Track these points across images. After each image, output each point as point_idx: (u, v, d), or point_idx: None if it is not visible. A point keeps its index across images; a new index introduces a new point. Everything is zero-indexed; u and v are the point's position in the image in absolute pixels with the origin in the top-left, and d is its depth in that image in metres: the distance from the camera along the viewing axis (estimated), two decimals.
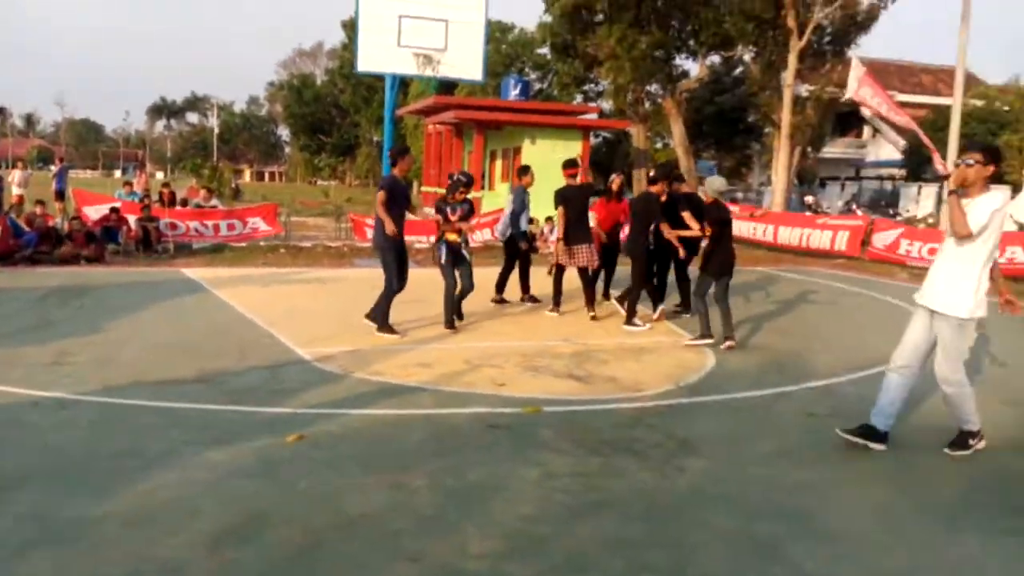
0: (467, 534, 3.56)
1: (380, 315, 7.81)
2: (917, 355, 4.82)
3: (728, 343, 7.56)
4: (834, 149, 37.94)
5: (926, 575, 3.33)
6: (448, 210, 8.08)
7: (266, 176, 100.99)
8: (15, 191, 18.25)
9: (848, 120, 36.35)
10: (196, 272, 11.92)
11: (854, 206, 25.99)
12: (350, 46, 37.45)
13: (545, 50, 31.88)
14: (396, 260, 7.82)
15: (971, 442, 4.81)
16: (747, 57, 24.69)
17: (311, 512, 3.74)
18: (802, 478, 4.38)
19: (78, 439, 4.65)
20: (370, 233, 16.53)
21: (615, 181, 9.82)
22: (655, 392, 6.02)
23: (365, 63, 12.74)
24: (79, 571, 3.19)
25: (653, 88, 26.54)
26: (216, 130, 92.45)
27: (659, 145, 39.81)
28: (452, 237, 8.07)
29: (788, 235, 17.59)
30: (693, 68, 27.60)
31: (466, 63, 12.96)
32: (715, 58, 27.54)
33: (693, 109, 30.48)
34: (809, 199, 24.87)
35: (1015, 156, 21.86)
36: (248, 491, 3.96)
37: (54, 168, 21.13)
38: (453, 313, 8.15)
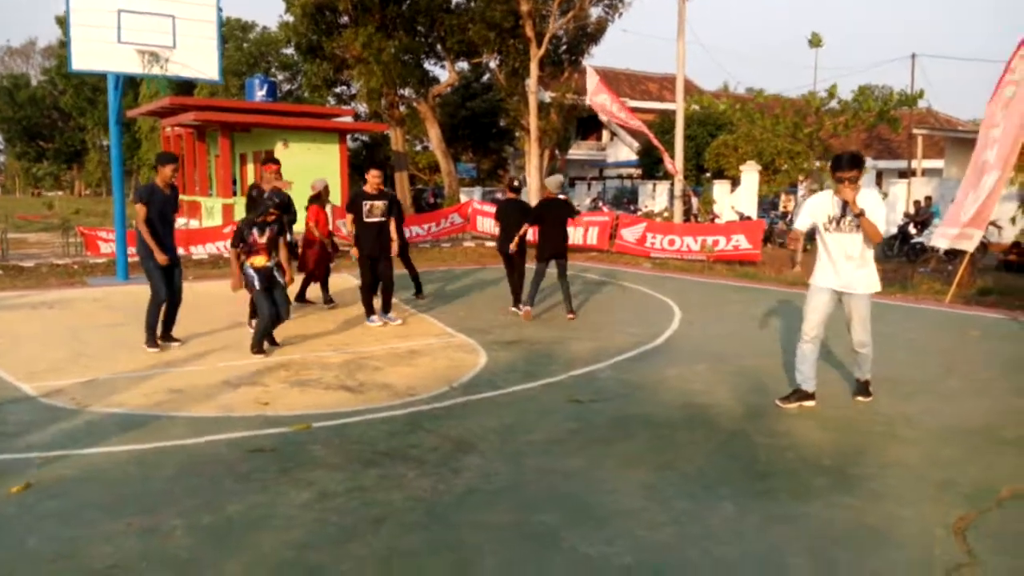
0: (230, 574, 3.24)
1: (147, 327, 7.39)
2: (823, 327, 5.63)
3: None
4: (579, 152, 40.55)
5: (694, 543, 3.54)
6: (254, 232, 7.23)
7: None
8: None
9: (589, 124, 39.00)
10: None
11: (600, 203, 27.88)
12: None
13: (291, 50, 30.74)
14: (159, 268, 7.32)
15: (871, 388, 5.84)
16: (493, 64, 25.57)
17: (48, 572, 3.22)
18: (572, 465, 4.52)
19: None
20: (104, 247, 15.09)
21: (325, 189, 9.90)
22: (430, 395, 5.95)
23: (80, 61, 11.30)
24: None
25: (407, 92, 26.60)
26: None
27: (419, 148, 40.08)
28: (260, 262, 7.22)
29: None
30: (444, 74, 28.07)
31: (199, 61, 11.96)
32: (464, 64, 28.22)
33: (447, 114, 31.04)
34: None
35: (732, 154, 24.62)
36: None
37: None
38: (263, 339, 7.31)
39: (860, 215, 5.25)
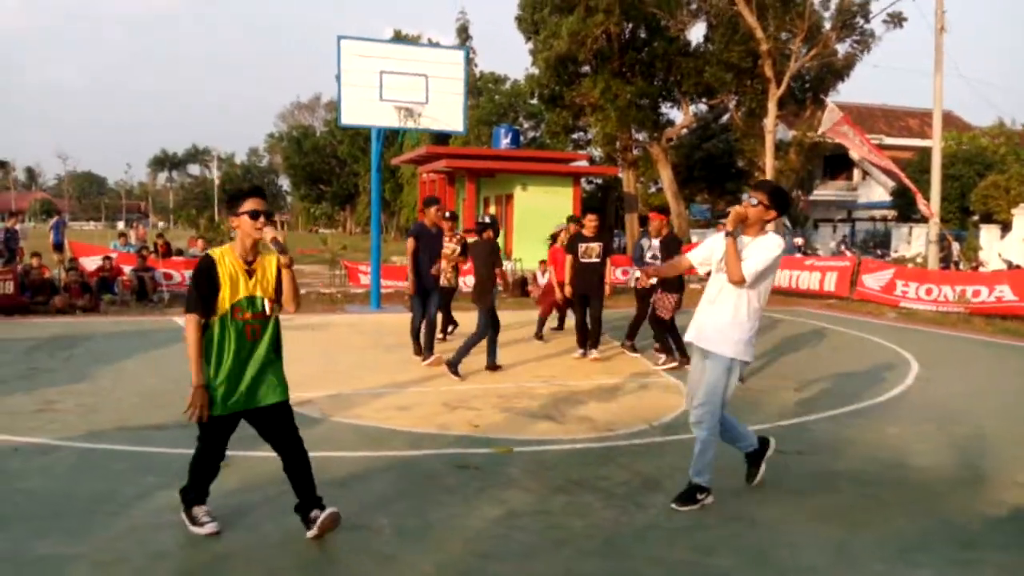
0: (423, 574, 3.65)
1: (413, 341, 8.96)
2: None
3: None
4: (826, 192, 38.40)
5: None
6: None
7: None
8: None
9: (837, 163, 36.86)
10: None
11: (843, 247, 26.22)
12: None
13: (535, 100, 32.51)
14: (419, 301, 8.75)
15: (699, 496, 4.52)
16: (731, 104, 25.27)
17: (274, 554, 3.84)
18: (761, 514, 4.46)
19: (56, 483, 4.74)
20: (363, 279, 16.95)
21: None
22: (628, 431, 6.12)
23: (348, 117, 13.12)
24: None
25: (640, 135, 27.01)
26: (217, 181, 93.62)
27: (652, 189, 40.27)
28: None
29: (777, 276, 17.76)
30: (678, 116, 28.14)
31: (447, 115, 13.32)
32: (701, 106, 28.13)
33: (683, 155, 30.99)
34: (798, 240, 25.10)
35: (1002, 196, 22.15)
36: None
37: (51, 221, 21.60)
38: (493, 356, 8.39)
39: (728, 234, 4.36)
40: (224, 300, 3.76)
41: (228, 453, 5.30)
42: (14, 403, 6.64)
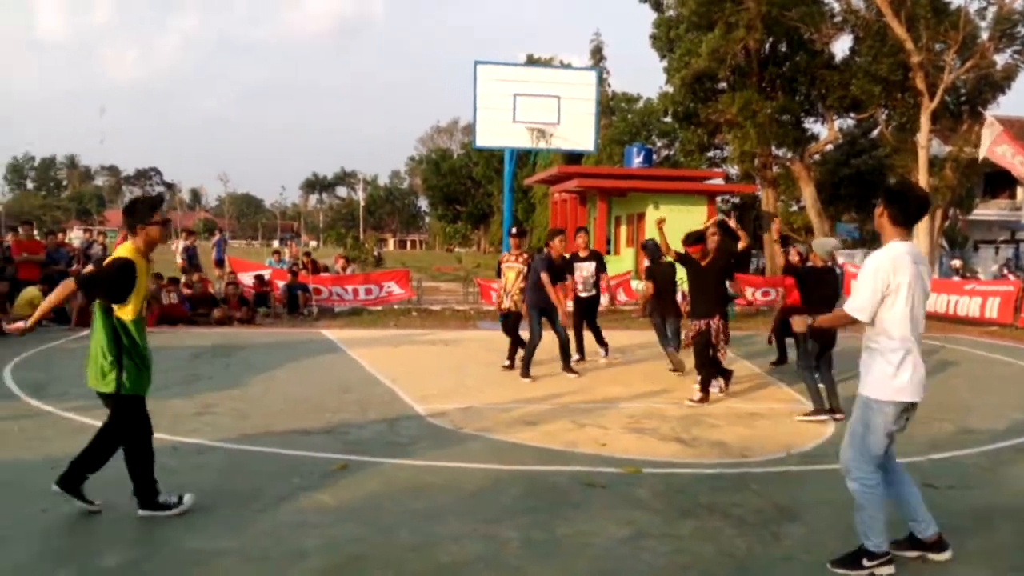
0: None
1: (523, 362, 8.95)
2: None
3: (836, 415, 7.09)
4: (987, 211, 35.63)
5: None
6: None
7: (408, 244, 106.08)
8: (178, 259, 20.11)
9: (999, 181, 34.09)
10: (334, 333, 12.74)
11: (1006, 271, 24.15)
12: None
13: (669, 118, 32.06)
14: (537, 315, 8.97)
15: (865, 562, 3.83)
16: (880, 118, 23.94)
17: (407, 558, 3.97)
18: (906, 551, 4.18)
19: (209, 482, 5.11)
20: (495, 297, 17.27)
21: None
22: (763, 459, 5.90)
23: (483, 139, 13.60)
24: None
25: (781, 152, 26.07)
26: (362, 202, 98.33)
27: (794, 208, 38.69)
28: None
29: (932, 301, 16.62)
30: (823, 131, 26.96)
31: (578, 135, 13.52)
32: (848, 120, 26.83)
33: (827, 172, 29.64)
34: (956, 263, 23.31)
35: None
36: (353, 535, 4.24)
37: (213, 239, 23.39)
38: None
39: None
40: (140, 297, 4.31)
41: (365, 459, 5.61)
42: (176, 406, 7.22)
